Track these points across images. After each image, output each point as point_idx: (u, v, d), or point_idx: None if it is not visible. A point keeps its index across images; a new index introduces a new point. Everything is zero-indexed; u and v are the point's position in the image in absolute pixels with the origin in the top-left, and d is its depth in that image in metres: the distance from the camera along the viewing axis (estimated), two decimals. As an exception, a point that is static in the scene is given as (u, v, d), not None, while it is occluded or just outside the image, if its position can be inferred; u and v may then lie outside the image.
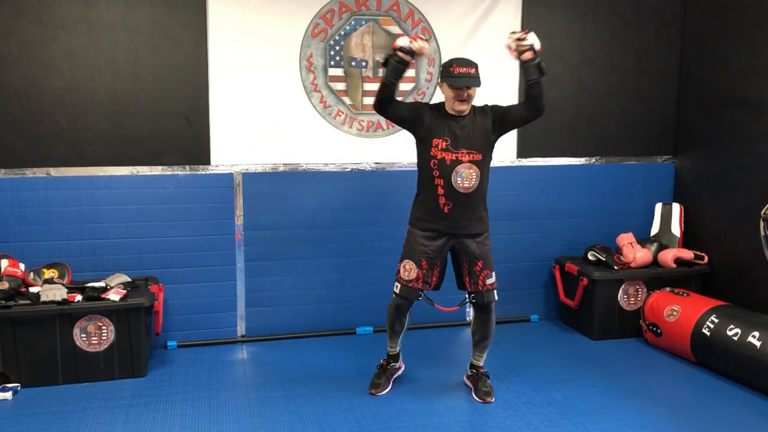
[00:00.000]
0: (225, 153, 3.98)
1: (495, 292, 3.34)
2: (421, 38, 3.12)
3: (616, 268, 4.21)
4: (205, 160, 3.97)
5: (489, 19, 4.25)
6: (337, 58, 4.09)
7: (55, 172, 3.77)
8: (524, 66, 3.17)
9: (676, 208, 4.58)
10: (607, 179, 4.61)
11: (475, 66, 3.17)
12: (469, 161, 3.17)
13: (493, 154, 4.31)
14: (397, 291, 3.30)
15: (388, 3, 4.11)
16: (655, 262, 4.35)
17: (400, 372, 3.56)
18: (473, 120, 3.22)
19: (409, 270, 3.27)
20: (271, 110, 4.03)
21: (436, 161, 3.18)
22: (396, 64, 3.09)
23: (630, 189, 4.65)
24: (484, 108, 3.30)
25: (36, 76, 3.69)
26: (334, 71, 4.10)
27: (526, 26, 4.31)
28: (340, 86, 4.12)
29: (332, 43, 4.07)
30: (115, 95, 3.81)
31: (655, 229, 4.63)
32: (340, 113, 4.13)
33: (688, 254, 4.32)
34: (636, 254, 4.27)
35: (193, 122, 3.93)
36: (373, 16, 4.11)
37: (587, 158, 4.59)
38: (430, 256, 3.26)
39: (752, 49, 3.99)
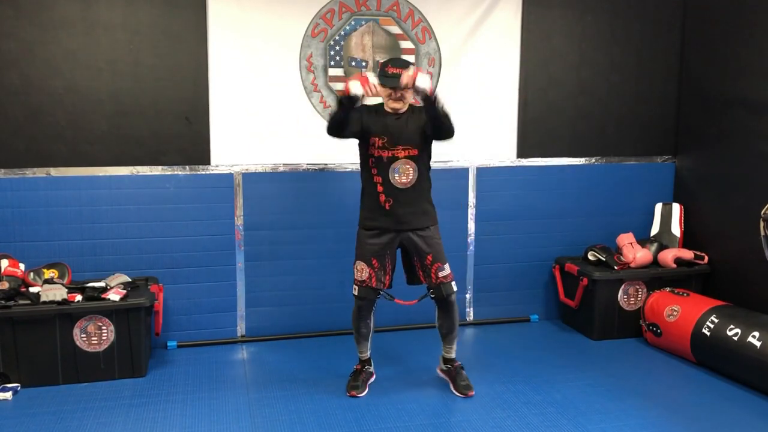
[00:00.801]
0: (225, 153, 3.99)
1: (453, 284, 3.35)
2: (373, 86, 3.08)
3: (616, 268, 4.21)
4: (205, 160, 3.97)
5: (489, 19, 4.25)
6: (337, 58, 4.09)
7: (55, 172, 3.77)
8: (424, 104, 3.14)
9: (676, 208, 4.58)
10: (607, 179, 4.61)
11: (410, 66, 3.19)
12: (405, 157, 3.23)
13: (492, 154, 4.36)
14: (355, 293, 3.35)
15: (388, 3, 4.11)
16: (655, 262, 4.35)
17: (372, 378, 3.52)
18: (409, 117, 3.28)
19: (361, 270, 3.32)
20: (271, 110, 4.03)
21: (374, 159, 3.25)
22: (347, 103, 3.10)
23: (630, 189, 4.65)
24: (422, 109, 3.28)
25: (36, 76, 3.69)
26: (334, 71, 4.10)
27: (525, 26, 4.32)
28: (340, 86, 4.11)
29: (332, 43, 4.07)
30: (115, 95, 3.81)
31: (655, 229, 4.63)
32: (340, 113, 4.13)
33: (688, 254, 4.32)
34: (636, 254, 4.27)
35: (193, 122, 3.93)
36: (373, 16, 4.12)
37: (587, 158, 4.59)
38: (378, 254, 3.30)
39: (752, 49, 3.99)
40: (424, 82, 3.05)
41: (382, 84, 3.18)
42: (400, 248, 3.38)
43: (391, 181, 3.24)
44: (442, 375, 3.53)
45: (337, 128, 3.21)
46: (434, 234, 3.34)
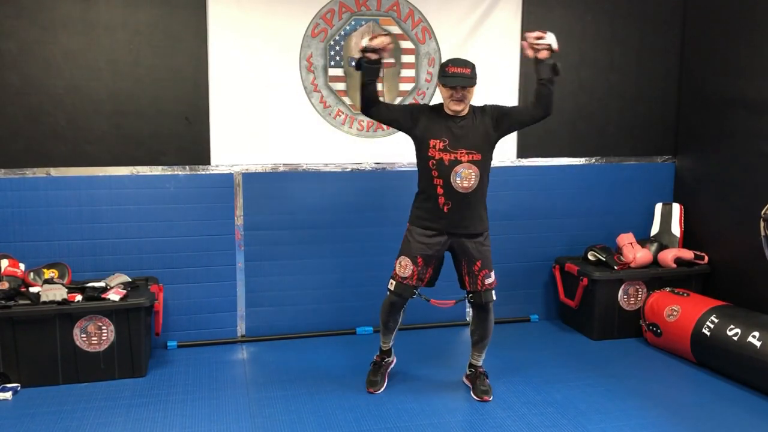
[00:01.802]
0: (225, 153, 3.99)
1: (494, 291, 3.34)
2: (381, 34, 3.12)
3: (616, 268, 4.21)
4: (205, 160, 3.97)
5: (489, 19, 4.25)
6: (337, 58, 4.09)
7: (55, 172, 3.77)
8: (538, 65, 3.19)
9: (676, 208, 4.58)
10: (607, 179, 4.61)
11: (471, 66, 3.17)
12: (468, 161, 3.17)
13: (493, 154, 4.35)
14: (392, 288, 3.32)
15: (388, 3, 4.11)
16: (655, 262, 4.35)
17: (392, 365, 3.56)
18: (472, 120, 3.23)
19: (404, 266, 3.28)
20: (271, 110, 4.03)
21: (435, 161, 3.18)
22: (367, 65, 3.10)
23: (630, 189, 4.65)
24: (484, 108, 3.30)
25: (36, 76, 3.69)
26: (334, 71, 4.10)
27: (526, 26, 4.31)
28: (340, 86, 4.12)
29: (332, 43, 4.07)
30: (115, 95, 3.81)
31: (655, 229, 4.63)
32: (340, 113, 4.13)
33: (688, 254, 4.32)
34: (636, 254, 4.27)
35: (193, 122, 3.93)
36: (373, 16, 4.12)
37: (587, 158, 4.59)
38: (427, 254, 3.26)
39: (752, 49, 3.99)
40: (554, 42, 3.09)
41: (443, 84, 3.15)
42: (449, 251, 3.34)
43: (453, 184, 3.16)
44: (466, 382, 3.49)
45: (367, 101, 3.17)
46: (485, 240, 3.31)
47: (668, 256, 4.30)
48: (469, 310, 4.46)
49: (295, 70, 4.03)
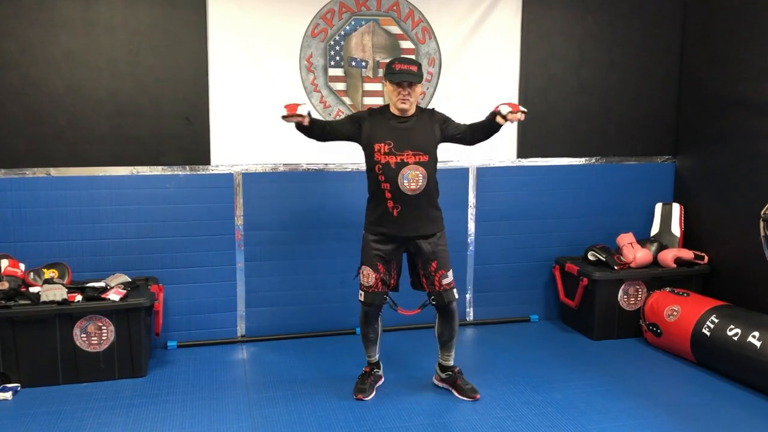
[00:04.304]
0: (225, 153, 3.99)
1: (454, 291, 3.31)
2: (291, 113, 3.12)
3: (616, 268, 4.21)
4: (205, 160, 3.97)
5: (489, 19, 4.25)
6: (337, 58, 4.09)
7: (55, 172, 3.77)
8: (495, 123, 3.19)
9: (676, 208, 4.58)
10: (607, 179, 4.61)
11: (418, 65, 3.18)
12: (414, 163, 3.16)
13: (493, 154, 4.36)
14: (362, 299, 3.31)
15: (388, 3, 4.11)
16: (655, 262, 4.35)
17: (381, 381, 3.50)
18: (418, 120, 3.22)
19: (367, 276, 3.27)
20: (271, 110, 4.02)
21: (381, 166, 3.17)
22: (304, 128, 3.19)
23: (630, 189, 4.65)
24: (433, 111, 3.31)
25: (36, 76, 3.69)
26: (334, 71, 4.10)
27: (526, 26, 4.32)
28: (340, 86, 4.12)
29: (332, 43, 4.07)
30: (115, 95, 3.81)
31: (655, 229, 4.63)
32: (340, 113, 4.13)
33: (688, 254, 4.32)
34: (636, 254, 4.27)
35: (193, 122, 3.93)
36: (373, 16, 4.12)
37: (587, 158, 4.59)
38: (384, 259, 3.26)
39: (752, 49, 3.99)
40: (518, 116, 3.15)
41: (390, 80, 3.15)
42: (406, 253, 3.34)
43: (400, 187, 3.15)
44: (441, 384, 3.46)
45: (318, 137, 3.26)
46: (440, 241, 3.29)
47: (668, 256, 4.30)
48: (470, 310, 4.48)
49: (295, 70, 4.03)
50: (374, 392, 3.39)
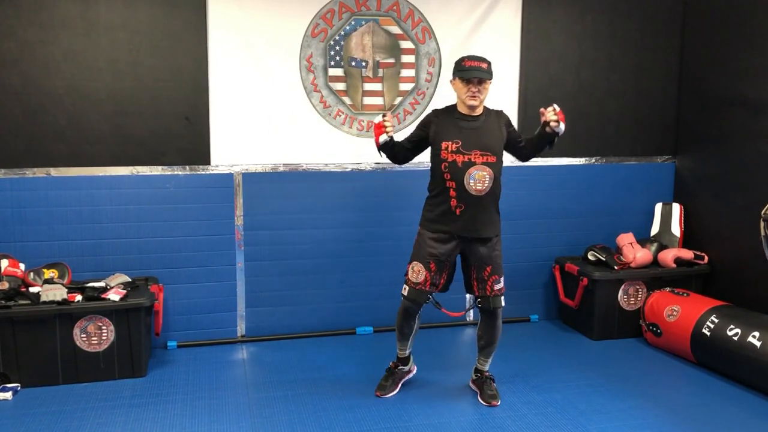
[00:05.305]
0: (225, 153, 3.99)
1: (502, 297, 3.29)
2: (389, 118, 3.20)
3: (616, 268, 4.21)
4: (205, 160, 3.97)
5: (489, 19, 4.25)
6: (337, 58, 4.09)
7: (55, 172, 3.77)
8: (546, 132, 3.20)
9: (676, 208, 4.58)
10: (607, 179, 4.61)
11: (488, 62, 3.16)
12: (482, 163, 3.12)
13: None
14: (405, 293, 3.27)
15: (388, 3, 4.11)
16: (655, 262, 4.35)
17: (410, 375, 3.50)
18: (486, 120, 3.20)
19: (417, 272, 3.23)
20: (271, 110, 4.03)
21: (447, 164, 3.13)
22: (388, 149, 3.25)
23: (630, 189, 4.65)
24: (500, 113, 3.28)
25: (36, 76, 3.69)
26: (334, 71, 4.10)
27: (526, 26, 4.32)
28: (340, 86, 4.12)
29: (332, 43, 4.07)
30: (115, 95, 3.81)
31: (655, 229, 4.63)
32: (340, 113, 4.13)
33: (688, 254, 4.32)
34: (636, 254, 4.27)
35: (193, 122, 3.93)
36: (373, 16, 4.12)
37: (587, 158, 4.59)
38: (439, 259, 3.21)
39: (752, 49, 3.99)
40: (560, 127, 3.14)
41: (460, 77, 3.13)
42: (460, 254, 3.29)
43: (466, 187, 3.10)
44: (473, 387, 3.45)
45: (401, 161, 3.33)
46: (496, 245, 3.26)
47: (668, 256, 4.30)
48: (470, 310, 4.48)
49: (295, 70, 4.03)
50: (398, 388, 3.39)
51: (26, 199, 3.73)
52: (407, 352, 3.44)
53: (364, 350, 3.97)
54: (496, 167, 3.16)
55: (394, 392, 3.37)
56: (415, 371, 3.55)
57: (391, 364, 3.47)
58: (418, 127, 3.30)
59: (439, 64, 4.21)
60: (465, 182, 3.11)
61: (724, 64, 4.22)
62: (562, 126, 3.17)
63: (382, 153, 3.28)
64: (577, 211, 4.58)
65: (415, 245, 3.29)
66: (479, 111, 3.19)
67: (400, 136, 4.18)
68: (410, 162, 4.14)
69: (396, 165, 3.96)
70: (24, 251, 3.70)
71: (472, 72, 3.09)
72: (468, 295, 3.96)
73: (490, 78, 3.15)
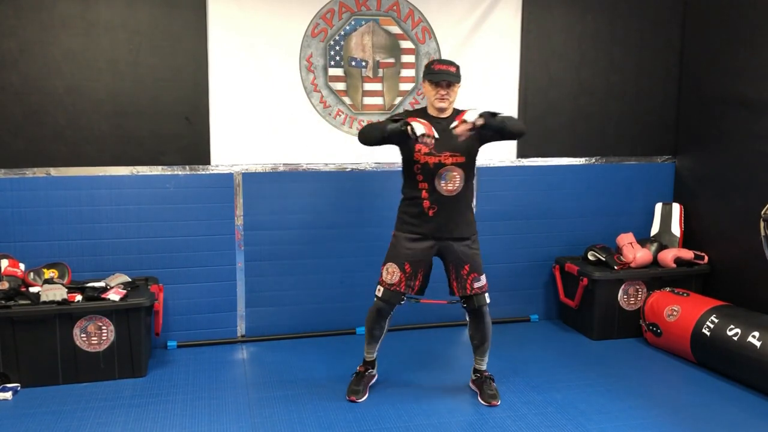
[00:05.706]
0: (225, 153, 3.99)
1: (486, 295, 3.30)
2: (428, 137, 3.03)
3: (616, 268, 4.21)
4: (205, 160, 3.97)
5: (489, 19, 4.25)
6: (337, 58, 4.09)
7: (55, 172, 3.77)
8: (483, 128, 3.08)
9: (676, 208, 4.58)
10: (607, 179, 4.61)
11: (456, 66, 3.20)
12: (452, 164, 3.16)
13: (492, 154, 4.36)
14: (379, 294, 3.28)
15: (388, 3, 4.11)
16: (655, 262, 4.35)
17: (374, 379, 3.49)
18: (454, 121, 3.18)
19: (392, 273, 3.24)
20: (271, 110, 4.03)
21: (420, 165, 3.17)
22: (400, 130, 3.02)
23: (630, 189, 4.65)
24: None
25: (36, 76, 3.69)
26: (334, 71, 4.10)
27: (526, 26, 4.32)
28: (340, 86, 4.12)
29: (332, 43, 4.07)
30: (115, 95, 3.81)
31: (655, 229, 4.63)
32: (340, 113, 4.13)
33: (688, 254, 4.32)
34: (636, 254, 4.27)
35: (193, 122, 3.93)
36: (373, 16, 4.12)
37: (587, 158, 4.59)
38: (414, 259, 3.23)
39: (752, 49, 3.99)
40: (470, 116, 3.00)
41: (429, 80, 3.16)
42: (438, 257, 3.30)
43: (437, 188, 3.15)
44: (473, 387, 3.45)
45: (372, 144, 3.22)
46: (473, 244, 3.28)
47: (668, 256, 4.30)
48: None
49: (295, 70, 4.03)
50: (368, 393, 3.38)
51: (26, 199, 3.73)
52: (374, 355, 3.45)
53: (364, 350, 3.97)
54: (467, 167, 3.20)
55: (365, 397, 3.35)
56: (377, 376, 3.52)
57: (359, 368, 3.46)
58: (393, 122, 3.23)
59: (439, 64, 4.21)
60: (436, 183, 3.16)
61: (724, 64, 4.22)
62: (470, 115, 3.00)
63: (385, 130, 3.11)
64: (577, 211, 4.58)
65: (390, 247, 3.31)
66: (448, 113, 3.23)
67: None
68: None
69: (395, 165, 3.95)
70: (24, 251, 3.70)
71: (441, 75, 3.14)
72: None
73: (458, 81, 3.20)
